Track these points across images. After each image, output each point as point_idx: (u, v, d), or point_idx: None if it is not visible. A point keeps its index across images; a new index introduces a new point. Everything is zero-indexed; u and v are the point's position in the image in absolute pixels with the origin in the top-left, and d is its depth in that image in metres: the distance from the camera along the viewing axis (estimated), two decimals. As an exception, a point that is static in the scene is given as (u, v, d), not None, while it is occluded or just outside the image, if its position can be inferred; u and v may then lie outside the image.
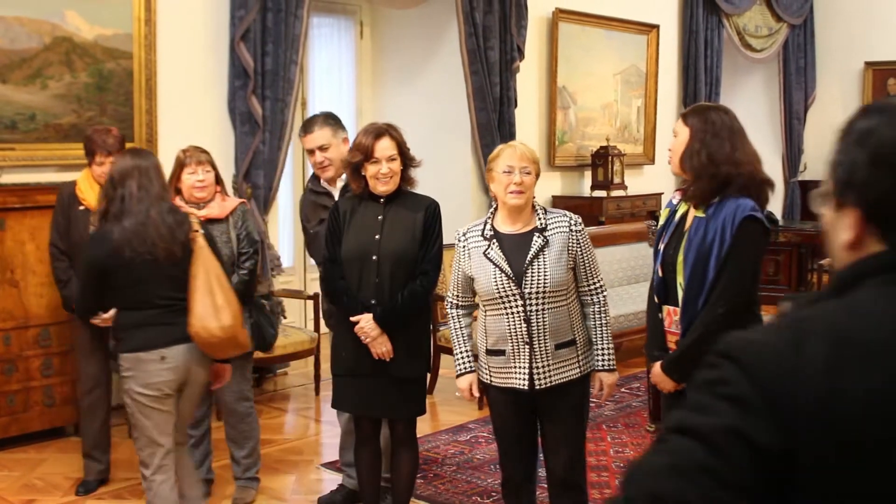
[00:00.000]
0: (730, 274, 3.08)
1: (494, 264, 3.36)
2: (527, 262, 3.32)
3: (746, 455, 1.08)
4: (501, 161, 3.40)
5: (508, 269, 3.33)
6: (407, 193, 3.81)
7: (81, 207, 4.45)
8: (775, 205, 10.95)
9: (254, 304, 4.42)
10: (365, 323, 3.65)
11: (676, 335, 3.22)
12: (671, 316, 3.24)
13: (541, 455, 3.59)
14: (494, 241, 3.40)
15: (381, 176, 3.68)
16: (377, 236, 3.70)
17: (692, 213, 3.22)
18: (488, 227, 3.45)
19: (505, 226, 3.43)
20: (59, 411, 5.14)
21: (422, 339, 3.88)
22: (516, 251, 3.36)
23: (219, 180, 4.34)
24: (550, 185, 8.28)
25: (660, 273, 3.28)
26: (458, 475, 4.74)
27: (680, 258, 3.17)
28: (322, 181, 4.25)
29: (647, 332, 3.47)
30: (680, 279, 3.17)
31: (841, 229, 1.20)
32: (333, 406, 3.96)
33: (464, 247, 3.47)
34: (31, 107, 5.38)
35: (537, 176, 3.46)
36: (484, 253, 3.39)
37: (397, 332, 3.69)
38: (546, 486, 3.66)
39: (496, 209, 3.47)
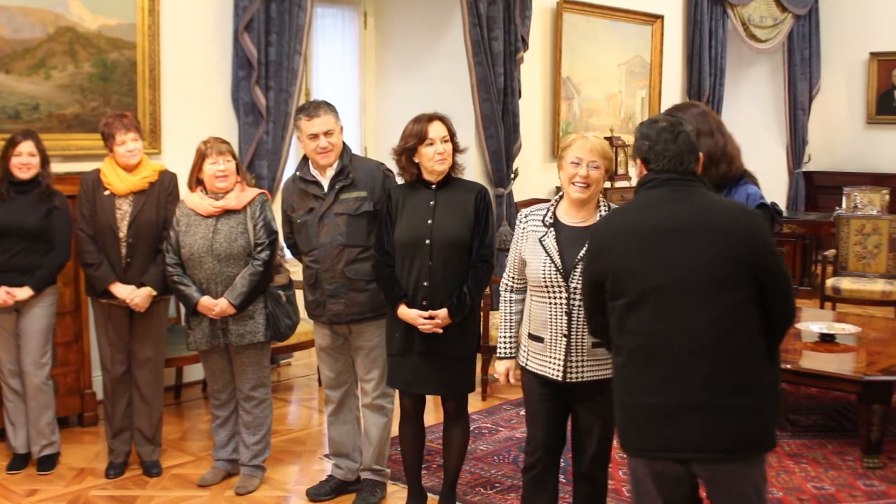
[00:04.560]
0: None
1: (547, 253, 3.36)
2: (579, 257, 3.28)
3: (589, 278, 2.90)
4: (571, 151, 3.37)
5: (559, 260, 3.33)
6: (456, 179, 3.95)
7: (107, 193, 4.50)
8: (779, 196, 10.96)
9: (269, 295, 4.43)
10: (440, 320, 3.83)
11: None
12: None
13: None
14: (552, 229, 3.39)
15: (437, 155, 3.84)
16: (429, 221, 3.83)
17: None
18: (549, 214, 3.44)
19: (567, 216, 3.42)
20: (64, 402, 5.13)
21: (474, 318, 4.05)
22: (572, 244, 3.34)
23: (239, 171, 4.40)
24: (554, 176, 8.21)
25: None
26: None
27: None
28: (312, 169, 4.23)
29: None
30: None
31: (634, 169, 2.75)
32: (388, 384, 4.13)
33: (523, 229, 3.49)
34: (35, 97, 5.37)
35: (607, 172, 3.43)
36: (540, 239, 3.39)
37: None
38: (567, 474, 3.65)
39: (561, 197, 3.44)
